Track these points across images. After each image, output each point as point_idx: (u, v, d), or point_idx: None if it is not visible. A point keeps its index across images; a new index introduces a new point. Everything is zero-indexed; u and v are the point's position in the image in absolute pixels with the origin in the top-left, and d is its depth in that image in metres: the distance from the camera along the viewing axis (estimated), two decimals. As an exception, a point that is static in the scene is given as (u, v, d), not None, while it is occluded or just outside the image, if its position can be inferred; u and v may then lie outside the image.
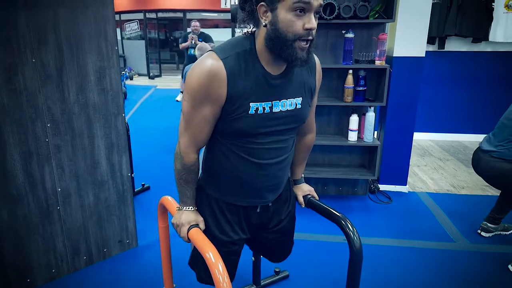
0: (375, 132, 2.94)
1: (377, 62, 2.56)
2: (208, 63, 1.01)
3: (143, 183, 3.20)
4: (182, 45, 6.49)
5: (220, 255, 1.07)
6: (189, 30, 6.66)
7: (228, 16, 11.51)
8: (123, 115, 2.09)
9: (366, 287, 1.93)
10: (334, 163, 2.99)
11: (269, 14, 0.98)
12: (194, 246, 1.35)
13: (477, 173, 2.34)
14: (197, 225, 1.21)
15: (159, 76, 11.64)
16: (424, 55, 2.86)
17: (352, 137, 2.73)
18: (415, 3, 2.75)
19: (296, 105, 1.12)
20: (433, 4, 4.22)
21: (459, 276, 2.11)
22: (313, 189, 1.48)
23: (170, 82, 10.45)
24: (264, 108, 1.07)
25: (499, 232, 2.52)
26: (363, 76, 2.60)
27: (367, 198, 3.06)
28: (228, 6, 10.92)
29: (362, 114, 2.74)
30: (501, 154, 2.13)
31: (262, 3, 0.98)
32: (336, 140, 2.78)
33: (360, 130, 2.76)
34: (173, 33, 14.06)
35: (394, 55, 2.86)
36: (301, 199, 1.45)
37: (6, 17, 1.62)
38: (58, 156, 1.89)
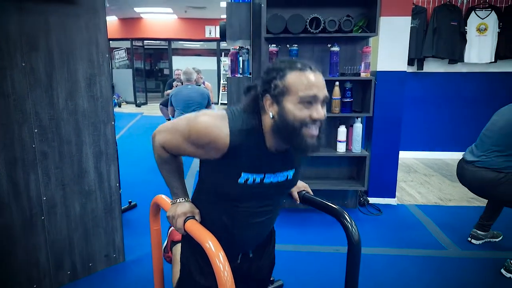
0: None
1: (362, 74, 2.64)
2: (217, 129, 1.00)
3: (130, 200, 3.12)
4: (167, 92, 6.74)
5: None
6: (174, 77, 6.94)
7: (212, 45, 11.80)
8: (113, 123, 2.07)
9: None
10: (324, 175, 3.00)
11: (275, 106, 0.99)
12: (180, 269, 1.33)
13: (462, 183, 2.38)
14: (193, 217, 1.18)
15: (145, 104, 11.78)
16: (406, 69, 2.98)
17: (341, 148, 2.76)
18: (395, 21, 2.89)
19: (287, 177, 1.14)
20: (410, 28, 4.48)
21: (453, 282, 2.09)
22: (307, 185, 1.48)
23: (156, 109, 10.54)
24: (254, 179, 1.07)
25: (489, 239, 2.54)
26: (349, 88, 2.68)
27: (357, 210, 3.06)
28: (213, 36, 11.22)
29: (349, 126, 2.79)
30: (484, 163, 2.18)
31: (267, 95, 1.00)
32: (325, 151, 2.81)
33: (348, 141, 2.80)
34: (158, 64, 14.56)
35: (377, 70, 2.97)
36: (295, 195, 1.43)
37: (-3, 20, 1.62)
38: (45, 163, 1.84)
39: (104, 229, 2.13)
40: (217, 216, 1.16)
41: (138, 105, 11.14)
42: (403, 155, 4.94)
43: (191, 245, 1.20)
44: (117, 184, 2.15)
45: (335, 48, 2.61)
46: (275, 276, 2.04)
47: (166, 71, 13.50)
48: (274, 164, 1.09)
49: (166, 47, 12.16)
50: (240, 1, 2.83)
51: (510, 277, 2.10)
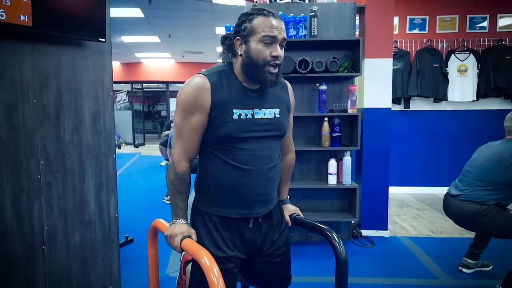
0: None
1: (349, 111, 2.82)
2: (194, 79, 1.23)
3: (126, 235, 3.16)
4: (165, 133, 7.02)
5: None
6: (171, 119, 7.24)
7: None
8: (114, 156, 2.19)
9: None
10: (316, 208, 3.08)
11: (243, 45, 1.22)
12: None
13: (448, 216, 2.48)
14: (189, 236, 1.27)
15: (143, 144, 12.03)
16: (390, 106, 3.18)
17: (332, 180, 2.88)
18: (377, 63, 3.13)
19: (275, 114, 1.30)
20: (395, 69, 4.78)
21: (445, 309, 2.13)
22: (298, 208, 1.58)
23: (152, 150, 10.76)
24: (246, 115, 1.24)
25: (479, 268, 2.59)
26: (337, 123, 2.85)
27: (351, 243, 3.11)
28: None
29: (339, 159, 2.93)
30: (468, 196, 2.29)
31: (238, 37, 1.23)
32: (317, 184, 2.92)
33: (338, 174, 2.92)
34: (155, 106, 15.08)
35: (364, 107, 3.16)
36: (287, 218, 1.53)
37: (13, 60, 1.78)
38: (48, 193, 1.93)
39: (102, 259, 2.17)
40: (222, 174, 1.26)
41: (136, 146, 11.34)
42: (396, 190, 5.05)
43: (200, 214, 1.32)
44: (116, 215, 2.23)
45: (323, 87, 2.81)
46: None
47: (163, 113, 13.89)
48: (258, 102, 1.27)
49: (164, 90, 12.60)
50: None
51: (500, 303, 2.14)
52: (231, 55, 1.29)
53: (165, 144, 6.87)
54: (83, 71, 2.02)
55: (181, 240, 1.24)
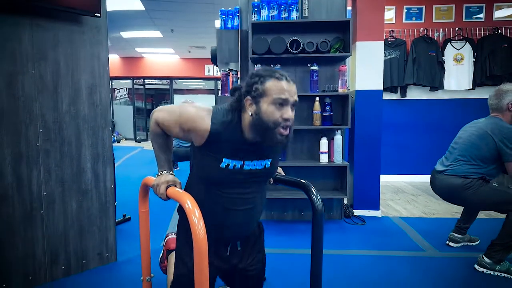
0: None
1: (340, 90, 2.89)
2: (200, 120, 1.23)
3: (124, 214, 3.25)
4: None
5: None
6: None
7: (211, 85, 12.41)
8: (110, 128, 2.28)
9: None
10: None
11: (254, 106, 1.21)
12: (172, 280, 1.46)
13: (434, 191, 2.54)
14: (174, 185, 1.35)
15: (146, 140, 12.06)
16: (381, 89, 3.24)
17: (323, 159, 2.95)
18: (369, 45, 3.20)
19: (265, 165, 1.32)
20: (392, 58, 4.83)
21: (429, 277, 2.19)
22: (281, 168, 1.66)
23: None
24: (235, 165, 1.26)
25: (466, 243, 2.65)
26: (328, 103, 2.92)
27: (343, 221, 3.18)
28: (212, 74, 11.79)
29: (331, 139, 3.00)
30: (453, 171, 2.36)
31: (248, 97, 1.22)
32: (309, 162, 2.99)
33: (330, 153, 2.99)
34: (159, 103, 15.10)
35: (356, 89, 3.23)
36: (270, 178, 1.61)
37: (13, 33, 1.88)
38: (47, 161, 2.03)
39: (98, 228, 2.26)
40: (206, 203, 1.29)
41: (138, 141, 11.43)
42: (393, 178, 5.10)
43: (187, 235, 1.31)
44: (112, 186, 2.32)
45: (315, 67, 2.89)
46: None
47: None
48: (252, 153, 1.28)
49: (167, 87, 12.71)
50: (230, 28, 3.16)
51: (483, 271, 2.20)
52: (239, 107, 1.27)
53: None
54: (79, 46, 2.12)
55: (166, 188, 1.33)
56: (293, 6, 2.89)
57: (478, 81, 4.90)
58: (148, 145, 10.73)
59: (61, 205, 2.10)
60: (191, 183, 1.40)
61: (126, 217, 3.24)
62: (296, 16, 2.91)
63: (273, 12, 2.89)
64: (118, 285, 2.14)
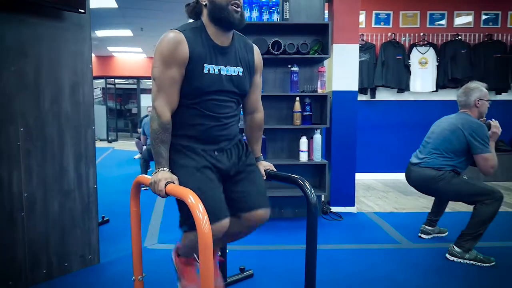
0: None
1: (319, 91, 3.00)
2: (171, 34, 1.35)
3: (103, 215, 3.18)
4: (140, 129, 6.99)
5: (200, 185, 1.32)
6: (147, 113, 7.23)
7: None
8: (93, 128, 2.23)
9: (326, 284, 2.07)
10: (289, 186, 3.23)
11: None
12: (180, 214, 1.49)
13: (409, 184, 2.69)
14: (172, 182, 1.37)
15: (116, 140, 11.97)
16: (357, 90, 3.39)
17: (303, 157, 3.04)
18: (345, 48, 3.34)
19: (238, 72, 1.46)
20: (362, 61, 5.03)
21: (404, 266, 2.33)
22: (272, 164, 1.71)
23: (125, 145, 10.86)
24: (214, 70, 1.40)
25: (436, 234, 2.84)
26: (308, 103, 3.01)
27: (321, 217, 3.29)
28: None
29: (310, 138, 3.10)
30: (427, 164, 2.52)
31: None
32: (289, 161, 3.07)
33: (309, 151, 3.09)
34: (126, 104, 14.88)
35: (333, 90, 3.36)
36: (263, 172, 1.66)
37: (-6, 28, 1.81)
38: (28, 161, 1.96)
39: (81, 229, 2.21)
40: (193, 120, 1.43)
41: (109, 141, 11.33)
42: (363, 176, 5.30)
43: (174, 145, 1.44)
44: (95, 186, 2.27)
45: (295, 68, 2.97)
46: (246, 267, 2.19)
47: (134, 110, 13.70)
48: (225, 59, 1.43)
49: (135, 87, 12.45)
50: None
51: (453, 259, 2.37)
52: (197, 16, 1.44)
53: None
54: (62, 43, 2.06)
55: (165, 185, 1.34)
56: (274, 8, 2.96)
57: (441, 84, 5.21)
58: (118, 146, 10.55)
59: (42, 207, 2.03)
60: (179, 111, 1.43)
61: (105, 218, 3.16)
62: (277, 18, 2.99)
63: (255, 14, 2.94)
64: (102, 287, 2.10)
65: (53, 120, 2.05)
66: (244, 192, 1.52)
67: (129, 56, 11.37)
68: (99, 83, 11.87)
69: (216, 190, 1.43)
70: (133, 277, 1.68)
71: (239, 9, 1.37)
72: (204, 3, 1.40)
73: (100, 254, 2.35)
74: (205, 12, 1.41)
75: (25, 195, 1.96)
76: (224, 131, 1.48)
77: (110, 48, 10.19)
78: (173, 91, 1.38)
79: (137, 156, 7.52)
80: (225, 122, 1.47)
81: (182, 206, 1.42)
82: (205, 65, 1.38)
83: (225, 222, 1.39)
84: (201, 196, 1.21)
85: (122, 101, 14.58)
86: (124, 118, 14.43)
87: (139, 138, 7.07)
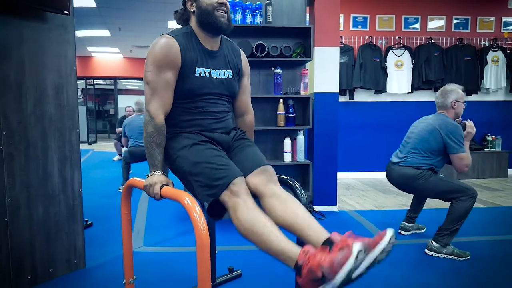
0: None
1: (302, 93, 3.06)
2: (163, 39, 1.40)
3: (86, 219, 3.12)
4: (119, 130, 6.89)
5: (204, 156, 1.35)
6: (125, 114, 7.10)
7: None
8: (78, 130, 2.20)
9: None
10: (273, 186, 3.29)
11: (194, 3, 1.45)
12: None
13: (390, 182, 2.80)
14: (167, 185, 1.38)
15: (95, 142, 11.79)
16: (337, 91, 3.48)
17: (287, 158, 3.10)
18: (326, 51, 3.42)
19: (228, 75, 1.52)
20: (341, 63, 5.14)
21: (387, 262, 2.38)
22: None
23: (104, 147, 10.74)
24: (205, 73, 1.45)
25: (415, 231, 2.96)
26: (292, 104, 3.07)
27: (305, 217, 3.35)
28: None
29: (294, 139, 3.16)
30: (406, 163, 2.63)
31: (187, 0, 1.46)
32: (274, 161, 3.12)
33: (293, 152, 3.15)
34: (104, 105, 14.66)
35: (315, 91, 3.43)
36: None
37: (-26, 29, 1.76)
38: (11, 165, 1.91)
39: (66, 234, 2.18)
40: (188, 117, 1.47)
41: (90, 143, 11.23)
42: (343, 175, 5.43)
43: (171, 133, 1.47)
44: (80, 189, 2.24)
45: (278, 71, 3.03)
46: (235, 267, 2.22)
47: (111, 111, 13.48)
48: (215, 63, 1.48)
49: (112, 88, 12.23)
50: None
51: (432, 254, 2.48)
52: (186, 22, 1.50)
53: (119, 139, 6.77)
54: (46, 44, 2.03)
55: (160, 188, 1.35)
56: (257, 11, 3.00)
57: (416, 85, 5.41)
58: (98, 147, 10.38)
59: (26, 211, 1.99)
60: (173, 119, 1.46)
61: (88, 222, 3.11)
62: (260, 21, 3.03)
63: (238, 16, 2.98)
64: (88, 294, 2.08)
65: (36, 123, 2.01)
66: (243, 157, 1.48)
67: (107, 56, 11.16)
68: (80, 84, 11.64)
69: (222, 156, 1.39)
70: (124, 280, 1.68)
71: (225, 14, 1.44)
72: (192, 10, 1.46)
73: (86, 258, 2.32)
74: (193, 18, 1.47)
75: (8, 200, 1.91)
76: (220, 123, 1.52)
77: (89, 49, 9.98)
78: (167, 94, 1.40)
79: (116, 157, 7.40)
80: (219, 116, 1.51)
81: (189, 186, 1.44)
82: (196, 68, 1.43)
83: (241, 179, 1.32)
84: (208, 166, 1.28)
85: (100, 102, 14.37)
86: (102, 119, 14.28)
87: (117, 139, 6.97)
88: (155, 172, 1.41)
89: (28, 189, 1.99)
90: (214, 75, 1.48)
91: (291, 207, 1.35)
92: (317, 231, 1.32)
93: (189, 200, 1.24)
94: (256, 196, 1.40)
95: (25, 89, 1.96)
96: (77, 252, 2.24)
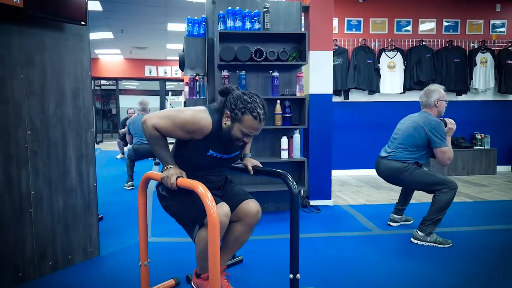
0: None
1: (298, 94, 3.28)
2: (207, 120, 1.61)
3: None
4: (122, 131, 7.08)
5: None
6: (127, 116, 7.33)
7: (152, 85, 12.49)
8: (92, 130, 2.41)
9: (308, 267, 2.35)
10: (271, 181, 3.50)
11: (229, 121, 1.61)
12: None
13: (378, 174, 3.02)
14: (182, 176, 1.61)
15: (102, 141, 12.05)
16: (331, 93, 3.70)
17: (284, 155, 3.32)
18: (320, 54, 3.64)
19: (235, 154, 1.80)
20: (336, 65, 5.37)
21: (377, 250, 2.64)
22: (258, 162, 1.96)
23: (109, 146, 11.07)
24: (216, 156, 1.71)
25: (403, 222, 3.18)
26: (288, 105, 3.29)
27: (300, 210, 3.57)
28: (153, 75, 11.92)
29: (290, 137, 3.37)
30: (393, 157, 2.85)
31: (228, 112, 1.60)
32: (271, 158, 3.34)
33: (289, 150, 3.37)
34: (107, 105, 14.95)
35: (310, 93, 3.65)
36: (250, 168, 1.90)
37: (2, 39, 1.97)
38: (35, 161, 2.12)
39: (83, 225, 2.39)
40: (189, 167, 1.71)
41: (97, 143, 11.56)
42: (338, 173, 5.65)
43: (181, 198, 1.73)
44: (95, 184, 2.45)
45: (275, 74, 3.24)
46: (236, 254, 2.43)
47: (113, 111, 13.73)
48: (229, 149, 1.73)
49: (114, 87, 12.44)
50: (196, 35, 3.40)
51: (417, 242, 2.71)
52: (222, 111, 1.67)
53: (123, 139, 6.99)
54: (64, 52, 2.24)
55: (176, 179, 1.58)
56: (255, 18, 3.21)
57: (407, 86, 5.64)
58: (105, 146, 10.62)
59: (48, 204, 2.20)
60: (179, 155, 1.74)
61: (99, 216, 3.30)
62: (258, 28, 3.24)
63: (238, 23, 3.19)
64: (103, 278, 2.28)
65: (56, 124, 2.22)
66: (231, 193, 1.88)
67: (109, 58, 11.36)
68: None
69: (211, 191, 1.65)
70: (139, 263, 1.89)
71: (242, 143, 1.68)
72: (223, 122, 1.63)
73: (100, 247, 2.53)
74: (225, 116, 1.62)
75: (33, 193, 2.12)
76: (218, 177, 1.83)
77: (96, 51, 10.21)
78: (174, 134, 1.64)
79: (119, 156, 7.59)
80: (218, 173, 1.83)
81: (182, 218, 1.79)
82: (210, 150, 1.67)
83: (226, 206, 1.66)
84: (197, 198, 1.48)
85: (104, 102, 14.64)
86: (106, 119, 14.61)
87: (120, 138, 7.19)
88: (169, 166, 1.63)
89: (50, 183, 2.20)
90: (224, 158, 1.73)
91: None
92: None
93: (202, 189, 1.46)
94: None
95: (47, 92, 2.17)
96: (93, 242, 2.45)
